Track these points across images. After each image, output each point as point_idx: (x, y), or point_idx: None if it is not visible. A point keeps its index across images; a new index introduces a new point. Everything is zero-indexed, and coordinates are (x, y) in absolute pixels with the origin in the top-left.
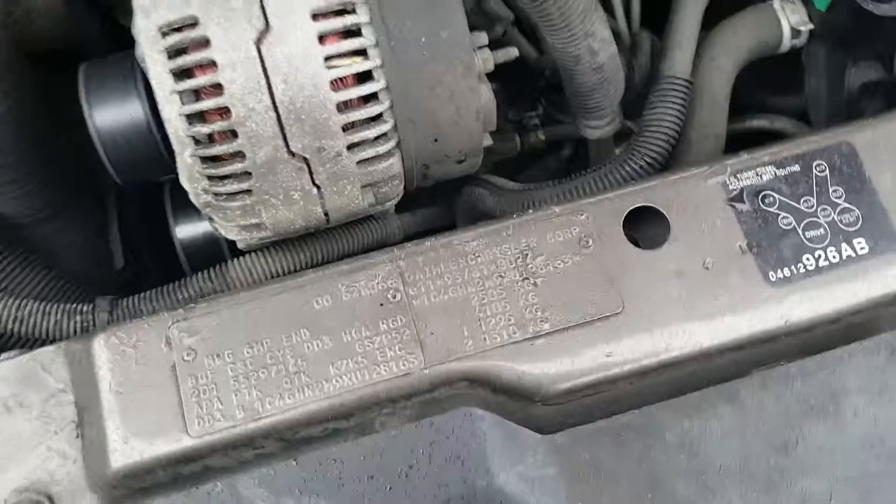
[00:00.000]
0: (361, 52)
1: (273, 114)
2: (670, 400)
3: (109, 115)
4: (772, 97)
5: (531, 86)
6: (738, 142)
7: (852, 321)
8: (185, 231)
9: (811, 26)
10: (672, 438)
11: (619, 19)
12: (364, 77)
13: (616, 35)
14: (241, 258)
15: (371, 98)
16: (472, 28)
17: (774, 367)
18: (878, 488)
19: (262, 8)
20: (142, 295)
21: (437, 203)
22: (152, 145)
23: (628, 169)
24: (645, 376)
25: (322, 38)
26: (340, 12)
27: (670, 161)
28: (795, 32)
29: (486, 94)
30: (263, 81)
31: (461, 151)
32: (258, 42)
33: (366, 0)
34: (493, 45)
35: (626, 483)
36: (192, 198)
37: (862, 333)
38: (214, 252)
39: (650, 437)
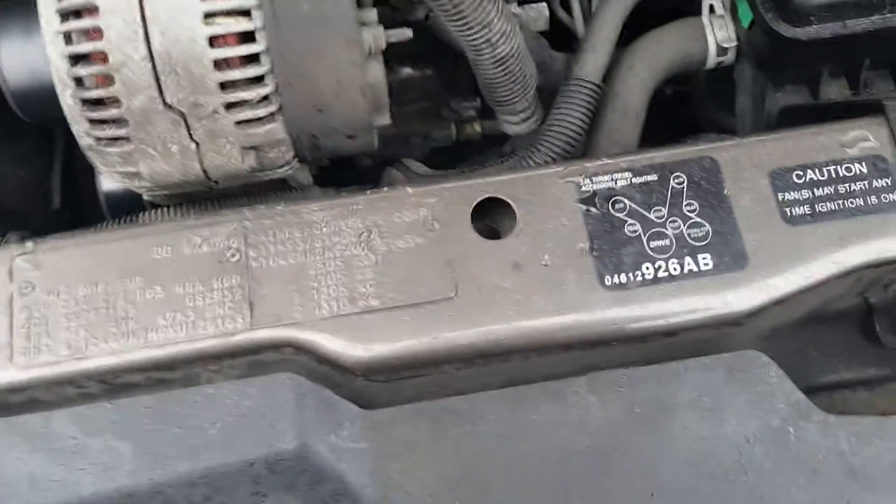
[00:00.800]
0: (244, 13)
1: (149, 63)
2: (495, 391)
3: (14, 53)
4: (726, 115)
5: (470, 76)
6: None
7: (696, 337)
8: (108, 183)
9: (735, 43)
10: (492, 428)
11: (579, 24)
12: (246, 38)
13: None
14: (151, 210)
15: (252, 60)
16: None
17: (607, 372)
18: None
19: None
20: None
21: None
22: (50, 87)
23: (529, 164)
24: (471, 364)
25: None
26: None
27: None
28: (721, 49)
29: (374, 72)
30: (141, 30)
31: (348, 126)
32: None
33: None
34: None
35: (436, 465)
36: (77, 140)
37: (704, 350)
38: (138, 204)
39: (469, 424)
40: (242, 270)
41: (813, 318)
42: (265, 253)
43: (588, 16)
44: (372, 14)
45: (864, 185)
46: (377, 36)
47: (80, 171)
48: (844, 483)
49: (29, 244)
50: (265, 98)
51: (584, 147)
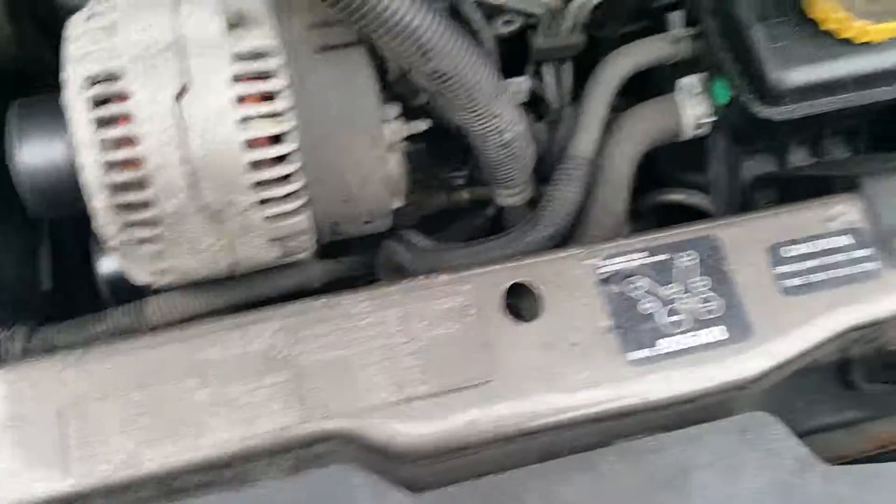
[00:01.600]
0: (277, 115)
1: (185, 167)
2: (534, 466)
3: (36, 153)
4: (691, 173)
5: (458, 146)
6: (658, 212)
7: (708, 402)
8: (107, 265)
9: (711, 119)
10: (531, 502)
11: (550, 92)
12: (278, 139)
13: (545, 107)
14: (158, 296)
15: (283, 158)
16: (397, 97)
17: (632, 439)
18: None
19: (187, 67)
20: (60, 325)
21: (361, 252)
22: (72, 187)
23: (529, 239)
24: (510, 442)
25: (241, 100)
26: (260, 77)
27: (571, 232)
28: (698, 124)
29: (393, 163)
30: (178, 136)
31: (370, 213)
32: (178, 98)
33: (286, 67)
34: (416, 112)
35: None
36: (103, 241)
37: (717, 414)
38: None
39: (511, 500)
40: (290, 365)
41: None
42: (310, 347)
43: (559, 84)
44: (393, 110)
45: (846, 255)
46: (396, 130)
47: (68, 250)
48: None
49: (78, 351)
50: (294, 193)
51: (577, 218)
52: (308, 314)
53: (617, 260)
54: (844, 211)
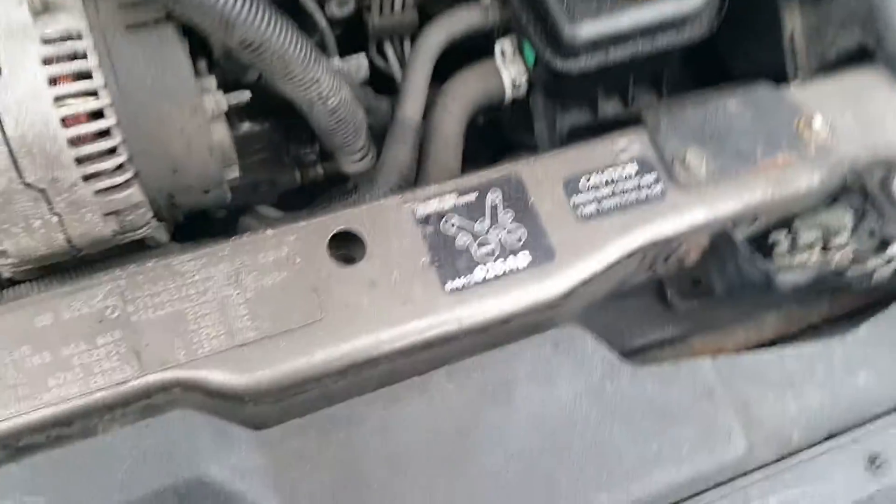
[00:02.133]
0: (92, 93)
1: (5, 148)
2: (369, 394)
3: None
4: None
5: (307, 124)
6: None
7: (526, 321)
8: None
9: (525, 78)
10: (370, 427)
11: (394, 67)
12: (96, 115)
13: (387, 78)
14: (12, 287)
15: (104, 134)
16: (228, 74)
17: (459, 361)
18: (541, 460)
19: None
20: None
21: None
22: None
23: (368, 198)
24: (347, 375)
25: (54, 81)
26: (71, 57)
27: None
28: (515, 85)
29: (219, 132)
30: None
31: (202, 182)
32: None
33: (95, 47)
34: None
35: (328, 469)
36: None
37: (535, 330)
38: None
39: (351, 427)
40: (123, 324)
41: (616, 295)
42: (143, 306)
43: (402, 61)
44: (211, 81)
45: (635, 182)
46: (218, 100)
47: None
48: (654, 421)
49: None
50: (121, 166)
51: (416, 175)
52: (139, 276)
53: (432, 202)
54: (630, 143)
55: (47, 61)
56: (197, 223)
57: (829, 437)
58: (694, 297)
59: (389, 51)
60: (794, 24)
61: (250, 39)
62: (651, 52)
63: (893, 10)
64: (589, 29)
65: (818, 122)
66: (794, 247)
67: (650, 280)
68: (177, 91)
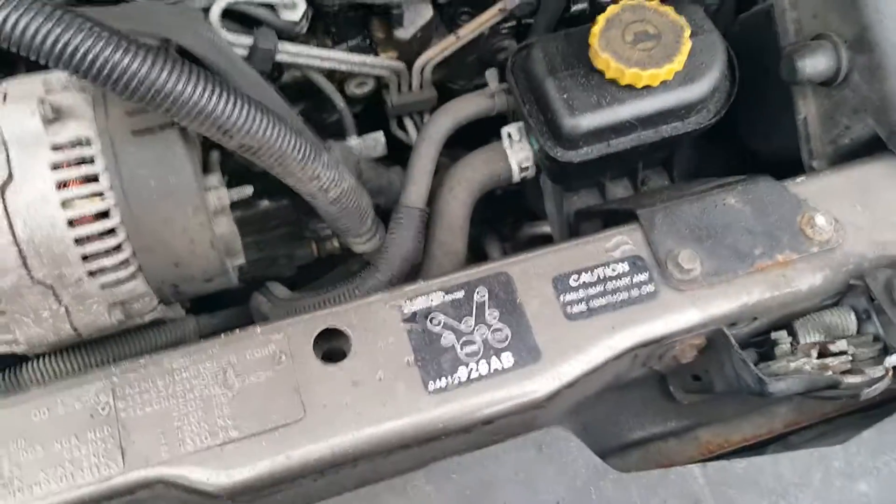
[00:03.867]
0: (98, 194)
1: (14, 248)
2: (345, 495)
3: None
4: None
5: None
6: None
7: (510, 422)
8: None
9: (531, 163)
10: None
11: (413, 139)
12: (101, 215)
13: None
14: (33, 361)
15: (109, 232)
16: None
17: (440, 461)
18: None
19: (8, 160)
20: None
21: (236, 305)
22: None
23: (370, 284)
24: (324, 473)
25: (63, 184)
26: (79, 162)
27: (416, 273)
28: (522, 168)
29: (222, 226)
30: (5, 222)
31: (204, 273)
32: (2, 189)
33: (102, 151)
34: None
35: None
36: None
37: (519, 431)
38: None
39: None
40: (112, 421)
41: (615, 388)
42: (132, 403)
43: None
44: (214, 179)
45: (626, 280)
46: (221, 197)
47: None
48: None
49: None
50: (124, 262)
51: (421, 258)
52: (131, 373)
53: (418, 301)
54: (624, 241)
55: (56, 166)
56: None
57: None
58: (696, 391)
59: (409, 125)
60: (807, 109)
61: (249, 145)
62: (655, 140)
63: None
64: (590, 120)
65: (821, 219)
66: (794, 347)
67: (650, 374)
68: (179, 192)
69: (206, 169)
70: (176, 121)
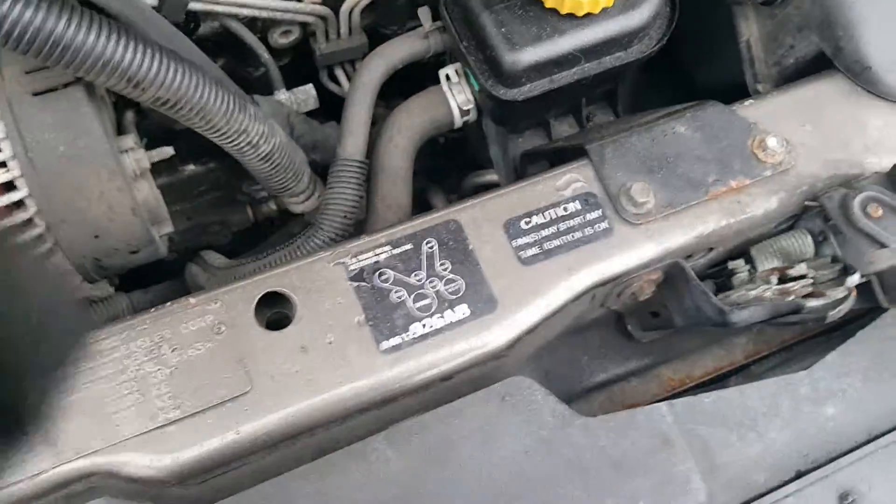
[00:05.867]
0: (1, 165)
1: None
2: (302, 467)
3: None
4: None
5: None
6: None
7: (471, 375)
8: None
9: (472, 105)
10: (305, 502)
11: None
12: (7, 188)
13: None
14: None
15: (17, 205)
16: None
17: (399, 424)
18: None
19: None
20: None
21: (170, 278)
22: None
23: (313, 244)
24: (276, 448)
25: None
26: None
27: (360, 227)
28: (463, 111)
29: (144, 191)
30: None
31: (128, 243)
32: None
33: (1, 116)
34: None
35: None
36: None
37: (481, 384)
38: None
39: (286, 503)
40: None
41: (574, 330)
42: None
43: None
44: (129, 140)
45: (580, 219)
46: (139, 159)
47: None
48: (609, 474)
49: None
50: (39, 237)
51: (364, 214)
52: None
53: (364, 256)
54: (574, 178)
55: None
56: (147, 268)
57: (797, 476)
58: (655, 328)
59: (341, 75)
60: (749, 31)
61: (164, 97)
62: (599, 72)
63: (850, 16)
64: (531, 55)
65: (773, 141)
66: (752, 275)
67: (608, 314)
68: (90, 155)
69: (120, 130)
70: (80, 76)
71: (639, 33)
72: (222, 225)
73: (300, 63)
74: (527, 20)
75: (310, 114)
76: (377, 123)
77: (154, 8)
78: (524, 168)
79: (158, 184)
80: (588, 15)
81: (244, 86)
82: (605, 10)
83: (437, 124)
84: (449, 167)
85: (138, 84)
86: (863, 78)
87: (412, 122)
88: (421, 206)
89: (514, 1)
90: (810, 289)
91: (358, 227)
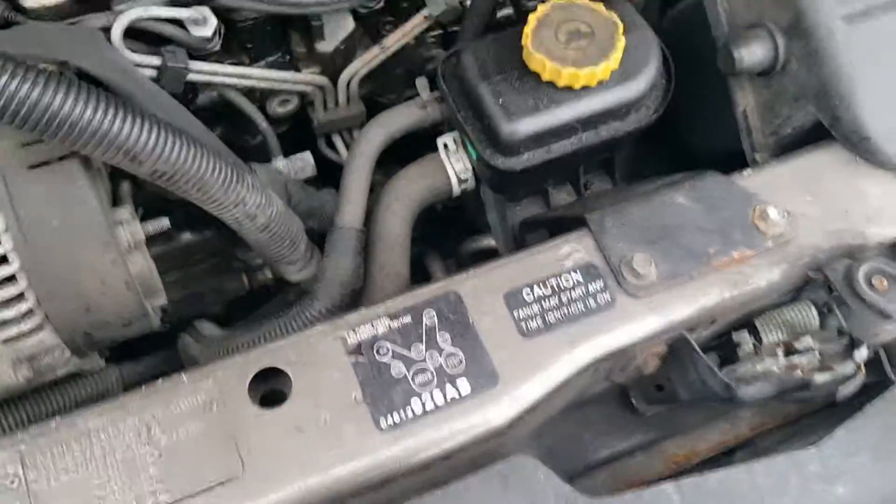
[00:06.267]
0: None
1: None
2: None
3: None
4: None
5: None
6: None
7: (472, 453)
8: None
9: (471, 173)
10: None
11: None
12: None
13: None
14: None
15: (8, 280)
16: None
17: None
18: None
19: None
20: None
21: (163, 349)
22: None
23: (309, 314)
24: None
25: None
26: None
27: (358, 297)
28: (462, 179)
29: (138, 264)
30: None
31: (121, 317)
32: None
33: None
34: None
35: None
36: None
37: (480, 462)
38: None
39: None
40: (23, 496)
41: (576, 405)
42: (45, 473)
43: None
44: (124, 212)
45: (581, 290)
46: (134, 232)
47: None
48: None
49: None
50: (28, 312)
51: (361, 283)
52: (41, 438)
53: (362, 329)
54: (574, 249)
55: None
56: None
57: None
58: (660, 402)
59: (339, 143)
60: (746, 101)
61: (161, 171)
62: (596, 142)
63: (847, 86)
64: (528, 125)
65: (774, 212)
66: (758, 348)
67: (611, 388)
68: (85, 229)
69: (116, 201)
70: (76, 150)
71: (635, 104)
72: (217, 293)
73: (298, 130)
74: (524, 92)
75: (307, 181)
76: (375, 190)
77: (153, 79)
78: (523, 236)
79: (153, 253)
80: (585, 87)
81: (242, 153)
82: (602, 82)
83: (435, 192)
84: (446, 231)
85: (135, 157)
86: (861, 148)
87: (410, 189)
88: (418, 272)
89: (511, 73)
90: (817, 363)
91: (355, 295)
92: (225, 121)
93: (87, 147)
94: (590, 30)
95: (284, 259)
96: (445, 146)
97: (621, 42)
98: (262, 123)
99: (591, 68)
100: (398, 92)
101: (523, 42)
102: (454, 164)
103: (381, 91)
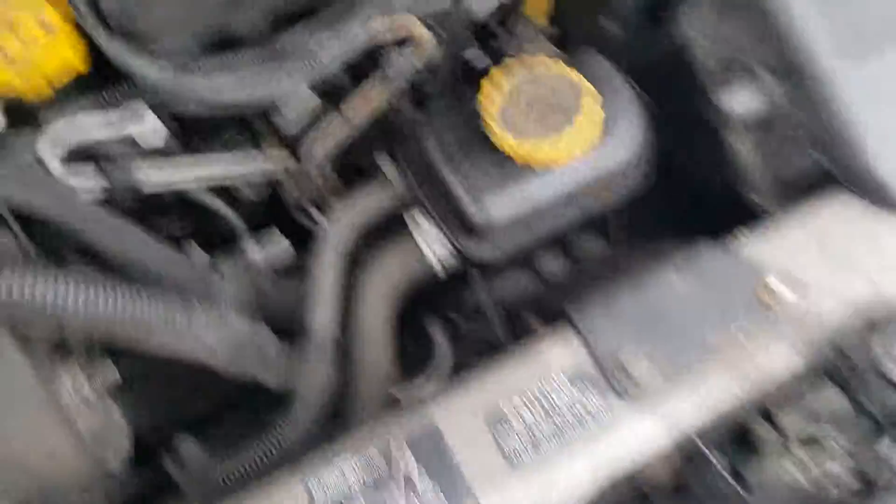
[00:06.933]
0: None
1: None
2: None
3: None
4: None
5: None
6: None
7: None
8: None
9: (452, 255)
10: None
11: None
12: None
13: None
14: None
15: None
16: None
17: None
18: None
19: None
20: None
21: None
22: None
23: (289, 431)
24: None
25: None
26: None
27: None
28: (441, 259)
29: (88, 419)
30: None
31: (80, 485)
32: None
33: None
34: None
35: None
36: None
37: None
38: None
39: None
40: None
41: None
42: None
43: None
44: (70, 367)
45: (572, 403)
46: (78, 388)
47: None
48: None
49: None
50: None
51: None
52: None
53: (331, 478)
54: (561, 354)
55: None
56: None
57: None
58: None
59: (314, 211)
60: (743, 145)
61: (98, 330)
62: (580, 217)
63: (853, 131)
64: (501, 210)
65: (780, 283)
66: (781, 441)
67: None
68: (20, 398)
69: (63, 352)
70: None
71: (620, 175)
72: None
73: (270, 202)
74: (493, 174)
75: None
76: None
77: (103, 202)
78: (513, 320)
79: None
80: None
81: (210, 239)
82: (580, 158)
83: (415, 278)
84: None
85: (63, 325)
86: (875, 195)
87: (387, 280)
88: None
89: (478, 154)
90: (850, 473)
91: (336, 399)
92: (192, 212)
93: (12, 319)
94: (557, 101)
95: (258, 376)
96: (417, 223)
97: (589, 105)
98: (234, 220)
99: (570, 145)
100: (372, 153)
101: (486, 121)
102: (431, 244)
103: (355, 157)
